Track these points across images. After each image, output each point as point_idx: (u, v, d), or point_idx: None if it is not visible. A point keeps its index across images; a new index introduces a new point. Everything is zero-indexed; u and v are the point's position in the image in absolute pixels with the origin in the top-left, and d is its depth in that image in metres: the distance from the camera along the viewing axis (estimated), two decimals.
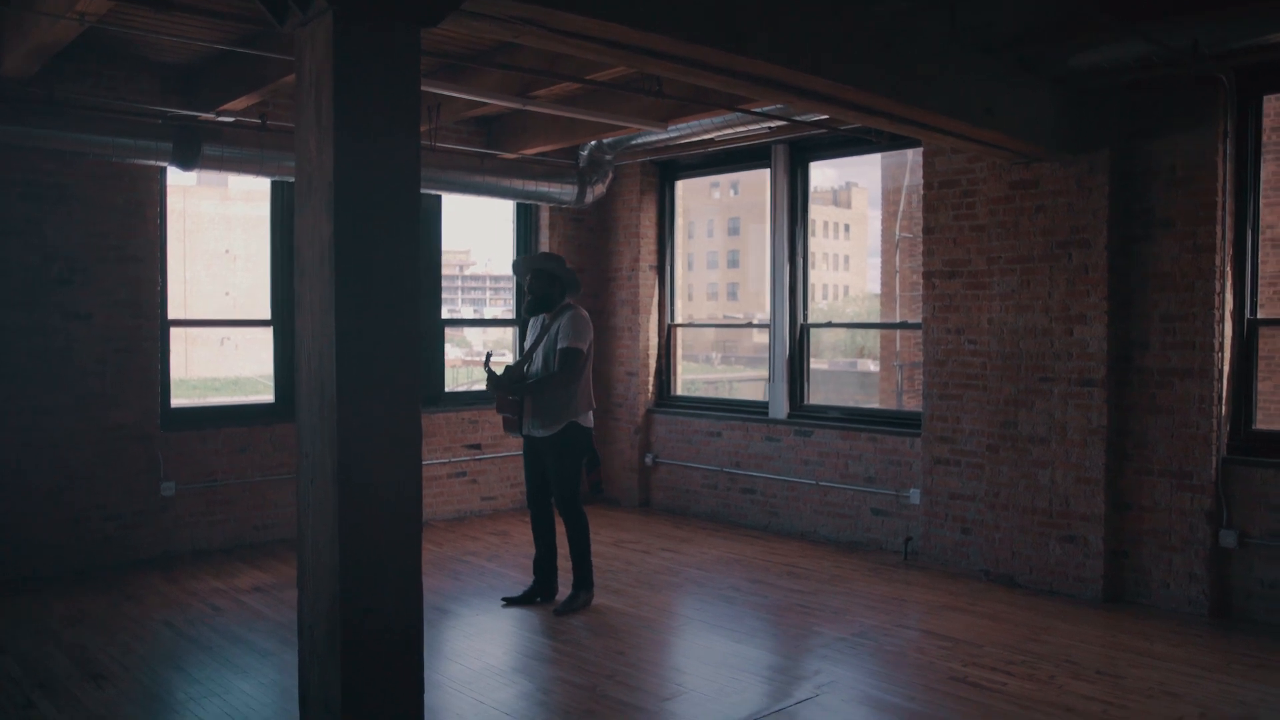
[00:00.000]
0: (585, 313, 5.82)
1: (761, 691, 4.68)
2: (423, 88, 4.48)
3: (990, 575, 6.51)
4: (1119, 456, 6.05)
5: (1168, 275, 5.89)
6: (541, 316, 5.89)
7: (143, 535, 6.84)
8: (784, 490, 7.95)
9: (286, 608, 5.88)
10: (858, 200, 57.06)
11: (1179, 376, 5.85)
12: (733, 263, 57.29)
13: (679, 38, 3.80)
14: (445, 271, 9.27)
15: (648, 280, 9.05)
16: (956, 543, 6.77)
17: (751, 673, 4.96)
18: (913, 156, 13.90)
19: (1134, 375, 6.03)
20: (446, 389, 8.65)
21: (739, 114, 6.45)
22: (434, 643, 5.20)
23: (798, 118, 6.48)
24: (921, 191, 6.99)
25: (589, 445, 5.89)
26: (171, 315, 7.08)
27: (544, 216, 8.99)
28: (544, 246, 8.98)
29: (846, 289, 55.89)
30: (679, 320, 9.23)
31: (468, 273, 64.51)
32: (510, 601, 6.00)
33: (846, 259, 56.69)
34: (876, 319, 38.50)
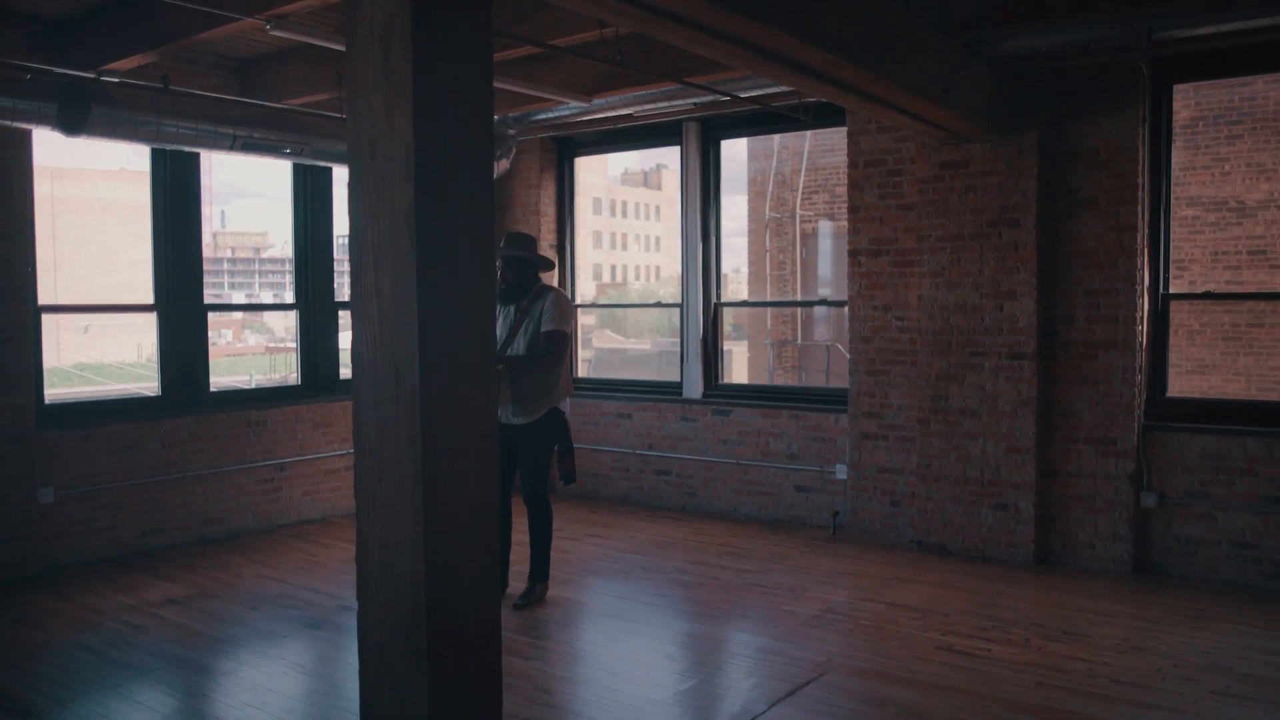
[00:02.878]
0: (565, 293, 5.61)
1: (767, 674, 4.59)
2: None
3: (922, 545, 6.70)
4: (1047, 426, 6.34)
5: (1091, 253, 6.19)
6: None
7: (20, 549, 6.04)
8: (702, 470, 7.91)
9: (213, 619, 5.35)
10: (668, 182, 57.86)
11: (1103, 348, 6.18)
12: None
13: (711, 3, 3.63)
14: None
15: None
16: (886, 515, 6.92)
17: (745, 656, 4.89)
18: (779, 140, 14.11)
19: (1060, 348, 6.32)
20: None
21: (680, 85, 6.29)
22: None
23: (740, 94, 6.40)
24: (846, 171, 7.09)
25: (565, 432, 5.67)
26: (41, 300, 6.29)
27: None
28: None
29: (658, 270, 56.54)
30: (581, 300, 9.01)
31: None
32: None
33: (658, 240, 57.30)
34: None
